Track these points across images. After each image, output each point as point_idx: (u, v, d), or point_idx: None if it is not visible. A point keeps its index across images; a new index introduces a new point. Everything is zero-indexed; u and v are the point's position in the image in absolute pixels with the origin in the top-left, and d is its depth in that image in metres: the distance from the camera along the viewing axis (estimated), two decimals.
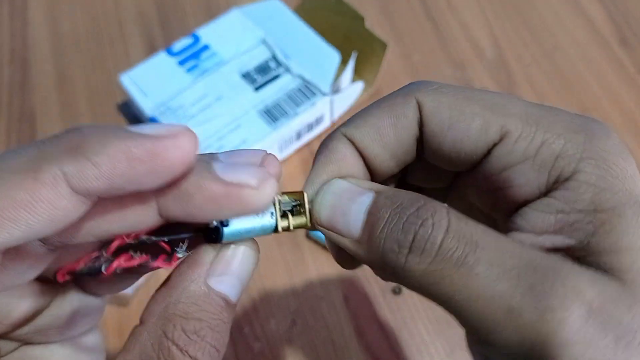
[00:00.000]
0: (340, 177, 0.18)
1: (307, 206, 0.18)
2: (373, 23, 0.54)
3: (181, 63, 0.46)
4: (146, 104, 0.44)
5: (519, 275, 0.15)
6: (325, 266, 0.41)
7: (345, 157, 0.19)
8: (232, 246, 0.16)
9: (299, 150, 0.47)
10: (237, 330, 0.39)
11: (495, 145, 0.17)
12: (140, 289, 0.40)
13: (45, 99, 0.50)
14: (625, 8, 0.54)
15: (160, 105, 0.44)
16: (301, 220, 0.18)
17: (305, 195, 0.18)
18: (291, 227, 0.18)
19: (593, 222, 0.15)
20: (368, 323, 0.39)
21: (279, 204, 0.18)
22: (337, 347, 0.39)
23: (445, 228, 0.15)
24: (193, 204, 0.15)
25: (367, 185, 0.18)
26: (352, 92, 0.47)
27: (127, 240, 0.16)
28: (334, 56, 0.46)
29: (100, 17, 0.55)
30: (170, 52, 0.46)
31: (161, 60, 0.46)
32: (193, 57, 0.46)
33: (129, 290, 0.37)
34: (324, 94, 0.44)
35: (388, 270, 0.16)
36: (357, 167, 0.19)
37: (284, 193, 0.18)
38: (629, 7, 0.54)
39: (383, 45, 0.46)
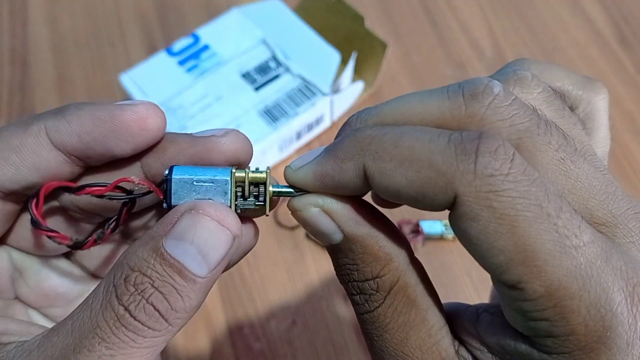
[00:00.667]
0: (316, 197, 0.18)
1: (268, 191, 0.19)
2: (373, 23, 0.54)
3: (181, 63, 0.46)
4: None
5: None
6: (325, 266, 0.41)
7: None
8: (192, 212, 0.16)
9: (299, 150, 0.47)
10: (237, 330, 0.39)
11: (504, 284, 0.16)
12: None
13: (45, 98, 0.50)
14: (625, 8, 0.54)
15: (160, 105, 0.44)
16: (254, 206, 0.19)
17: (268, 178, 0.19)
18: (239, 208, 0.18)
19: None
20: None
21: (233, 178, 0.18)
22: (336, 347, 0.39)
23: (373, 307, 0.18)
24: (168, 156, 0.18)
25: (340, 223, 0.18)
26: (352, 92, 0.47)
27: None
28: (334, 56, 0.46)
29: (100, 17, 0.55)
30: (170, 52, 0.46)
31: (161, 60, 0.46)
32: (193, 57, 0.46)
33: None
34: (324, 94, 0.44)
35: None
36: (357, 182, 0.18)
37: (250, 171, 0.19)
38: (628, 7, 0.54)
39: (383, 45, 0.46)
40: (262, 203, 0.19)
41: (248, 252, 0.20)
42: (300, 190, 0.19)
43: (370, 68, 0.48)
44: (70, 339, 0.15)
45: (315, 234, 0.18)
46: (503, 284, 0.15)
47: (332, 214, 0.18)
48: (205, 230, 0.16)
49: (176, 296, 0.16)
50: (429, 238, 0.42)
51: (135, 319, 0.15)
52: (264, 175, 0.19)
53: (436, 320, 0.18)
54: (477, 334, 0.17)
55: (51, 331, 0.16)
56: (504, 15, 0.54)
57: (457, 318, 0.18)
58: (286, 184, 0.19)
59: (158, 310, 0.15)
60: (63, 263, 0.21)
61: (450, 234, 0.42)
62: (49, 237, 0.17)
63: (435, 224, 0.42)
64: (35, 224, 0.17)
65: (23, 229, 0.19)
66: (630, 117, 0.48)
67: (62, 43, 0.54)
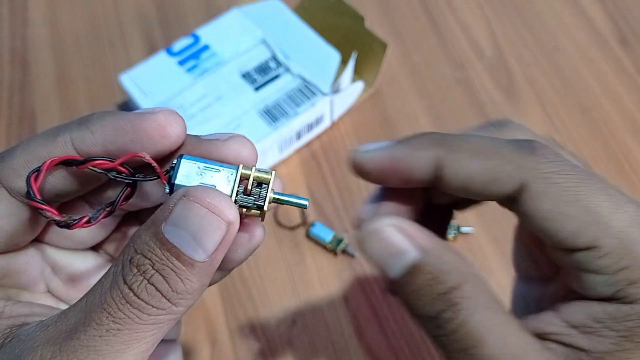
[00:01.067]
0: (390, 218, 0.19)
1: (268, 197, 0.19)
2: (373, 23, 0.54)
3: (181, 63, 0.46)
4: (146, 104, 0.44)
5: None
6: (325, 266, 0.41)
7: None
8: (184, 198, 0.17)
9: (299, 150, 0.47)
10: (238, 329, 0.39)
11: (579, 250, 0.18)
12: None
13: (45, 98, 0.50)
14: (625, 8, 0.54)
15: (160, 104, 0.44)
16: (253, 208, 0.19)
17: (272, 180, 0.19)
18: (238, 203, 0.18)
19: (619, 349, 0.17)
20: (368, 323, 0.39)
21: (238, 175, 0.19)
22: (337, 347, 0.39)
23: (462, 319, 0.17)
24: (174, 155, 0.19)
25: (416, 240, 0.18)
26: (352, 92, 0.47)
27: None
28: (334, 56, 0.46)
29: (100, 17, 0.55)
30: (170, 52, 0.46)
31: (161, 60, 0.46)
32: (193, 57, 0.46)
33: None
34: (324, 94, 0.44)
35: (412, 317, 0.19)
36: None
37: (256, 169, 0.19)
38: (629, 6, 0.54)
39: (383, 45, 0.46)
40: (261, 205, 0.19)
41: (255, 249, 0.20)
42: (302, 197, 0.19)
43: (371, 68, 0.48)
44: (82, 314, 0.17)
45: (389, 256, 0.18)
46: (578, 249, 0.17)
47: (407, 230, 0.18)
48: (196, 217, 0.16)
49: (176, 279, 0.16)
50: None
51: (138, 297, 0.16)
52: (268, 176, 0.19)
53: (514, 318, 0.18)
54: (560, 320, 0.18)
55: (68, 308, 0.17)
56: (504, 16, 0.54)
57: (523, 319, 0.19)
58: (288, 193, 0.19)
59: (160, 291, 0.16)
60: (92, 255, 0.22)
61: (451, 234, 0.42)
62: (40, 209, 0.17)
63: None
64: (28, 195, 0.17)
65: (56, 227, 0.20)
66: (630, 117, 0.48)
67: (62, 43, 0.54)
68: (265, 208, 0.19)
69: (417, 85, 0.50)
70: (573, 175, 0.18)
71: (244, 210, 0.18)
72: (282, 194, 0.19)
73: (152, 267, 0.16)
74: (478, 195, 0.19)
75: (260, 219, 0.19)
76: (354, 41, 0.48)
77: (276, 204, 0.19)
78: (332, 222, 0.43)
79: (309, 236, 0.42)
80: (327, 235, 0.41)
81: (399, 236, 0.18)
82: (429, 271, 0.18)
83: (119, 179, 0.18)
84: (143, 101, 0.44)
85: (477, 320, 0.17)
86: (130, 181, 0.19)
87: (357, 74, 0.49)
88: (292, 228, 0.43)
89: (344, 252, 0.42)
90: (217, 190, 0.17)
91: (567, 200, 0.17)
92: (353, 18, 0.47)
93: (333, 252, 0.42)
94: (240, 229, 0.18)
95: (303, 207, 0.19)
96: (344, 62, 0.46)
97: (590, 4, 0.55)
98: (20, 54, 0.53)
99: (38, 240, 0.21)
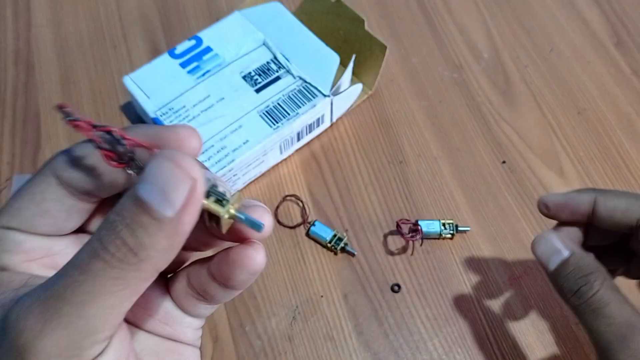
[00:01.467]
0: (556, 232, 0.31)
1: (228, 212, 0.19)
2: (372, 26, 0.54)
3: (183, 65, 0.46)
4: (149, 106, 0.45)
5: (622, 326, 0.27)
6: (325, 265, 0.42)
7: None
8: (157, 158, 0.17)
9: (299, 151, 0.47)
10: (239, 328, 0.40)
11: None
12: None
13: (49, 100, 0.51)
14: (621, 10, 0.55)
15: (162, 106, 0.45)
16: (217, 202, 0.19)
17: (235, 200, 0.20)
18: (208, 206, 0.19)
19: None
20: (367, 321, 0.40)
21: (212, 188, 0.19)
22: (337, 344, 0.39)
23: (595, 290, 0.28)
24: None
25: (568, 244, 0.30)
26: (351, 93, 0.47)
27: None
28: (334, 58, 0.46)
29: (103, 20, 0.56)
30: (172, 55, 0.47)
31: (164, 62, 0.47)
32: (195, 59, 0.47)
33: None
34: (324, 96, 0.45)
35: (560, 294, 0.29)
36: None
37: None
38: (625, 9, 0.55)
39: (382, 47, 0.46)
40: (226, 200, 0.19)
41: (257, 272, 0.21)
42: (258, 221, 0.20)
43: (370, 70, 0.48)
44: (61, 271, 0.18)
45: (551, 253, 0.30)
46: None
47: (563, 239, 0.30)
48: (165, 171, 0.17)
49: (143, 232, 0.17)
50: (427, 237, 0.43)
51: (106, 250, 0.17)
52: (220, 209, 0.19)
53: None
54: None
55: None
56: (501, 18, 0.55)
57: None
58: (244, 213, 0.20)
59: (127, 244, 0.17)
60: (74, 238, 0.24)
61: (447, 233, 0.42)
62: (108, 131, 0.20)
63: (433, 223, 0.42)
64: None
65: (97, 221, 0.23)
66: (627, 119, 0.48)
67: (65, 45, 0.54)
68: (226, 209, 0.19)
69: (415, 87, 0.51)
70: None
71: (209, 200, 0.19)
72: (242, 213, 0.20)
73: (123, 222, 0.17)
74: (618, 223, 0.29)
75: (225, 226, 0.20)
76: (353, 43, 0.48)
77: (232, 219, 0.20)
78: (332, 221, 0.44)
79: (309, 235, 0.43)
80: (327, 235, 0.42)
81: (558, 241, 0.30)
82: (574, 263, 0.28)
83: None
84: (146, 103, 0.45)
85: (604, 292, 0.27)
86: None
87: (357, 75, 0.49)
88: (293, 227, 0.44)
89: (343, 250, 0.42)
90: (185, 154, 0.18)
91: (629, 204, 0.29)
92: (353, 20, 0.48)
93: (333, 250, 0.42)
94: (240, 250, 0.21)
95: (257, 229, 0.20)
96: (343, 64, 0.47)
97: (587, 6, 0.55)
98: (24, 55, 0.54)
99: (82, 230, 0.23)
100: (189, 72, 0.46)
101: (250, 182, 0.46)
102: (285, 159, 0.47)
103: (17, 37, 0.55)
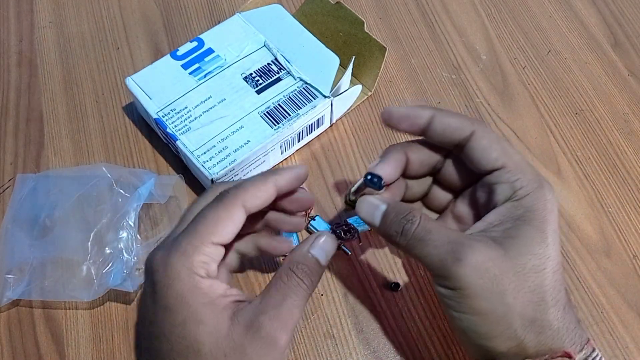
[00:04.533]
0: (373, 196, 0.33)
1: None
2: (371, 28, 0.55)
3: (185, 66, 0.47)
4: (151, 106, 0.45)
5: (448, 244, 0.29)
6: None
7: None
8: (317, 234, 0.31)
9: (299, 151, 0.48)
10: None
11: (496, 169, 0.31)
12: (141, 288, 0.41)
13: (52, 100, 0.51)
14: (618, 11, 0.55)
15: (164, 107, 0.45)
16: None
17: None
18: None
19: (514, 227, 0.30)
20: (367, 318, 0.40)
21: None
22: (337, 342, 0.40)
23: (417, 223, 0.30)
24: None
25: (384, 199, 0.32)
26: (351, 94, 0.48)
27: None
28: (334, 60, 0.47)
29: (105, 22, 0.56)
30: (174, 56, 0.47)
31: (165, 64, 0.47)
32: (197, 60, 0.47)
33: (129, 288, 0.39)
34: (324, 97, 0.45)
35: (392, 242, 0.31)
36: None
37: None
38: (622, 10, 0.55)
39: (382, 49, 0.47)
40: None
41: (303, 181, 0.33)
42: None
43: (369, 71, 0.49)
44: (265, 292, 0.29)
45: (372, 210, 0.32)
46: (496, 169, 0.31)
47: (380, 197, 0.33)
48: (324, 242, 0.31)
49: (313, 273, 0.30)
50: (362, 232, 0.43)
51: (296, 276, 0.29)
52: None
53: None
54: (483, 224, 0.31)
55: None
56: (499, 20, 0.55)
57: None
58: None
59: (303, 281, 0.29)
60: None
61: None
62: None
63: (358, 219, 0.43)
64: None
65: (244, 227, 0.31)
66: (624, 119, 0.49)
67: (68, 46, 0.55)
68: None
69: (414, 88, 0.51)
70: (495, 134, 0.32)
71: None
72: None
73: (303, 269, 0.30)
74: (449, 138, 0.32)
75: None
76: (353, 45, 0.49)
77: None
78: (333, 221, 0.44)
79: (308, 230, 0.43)
80: (324, 229, 0.42)
81: (374, 199, 0.32)
82: (393, 210, 0.31)
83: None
84: (148, 103, 0.45)
85: (424, 223, 0.30)
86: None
87: (357, 76, 0.50)
88: None
89: (339, 248, 0.43)
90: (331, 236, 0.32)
91: (493, 141, 0.31)
92: (352, 22, 0.48)
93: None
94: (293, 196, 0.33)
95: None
96: (343, 65, 0.47)
97: (584, 8, 0.56)
98: (28, 56, 0.54)
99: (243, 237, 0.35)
100: (190, 73, 0.47)
101: None
102: (285, 159, 0.47)
103: (21, 38, 0.55)
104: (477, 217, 0.32)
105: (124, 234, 0.41)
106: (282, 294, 0.28)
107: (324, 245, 0.31)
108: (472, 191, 0.34)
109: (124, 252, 0.40)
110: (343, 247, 0.43)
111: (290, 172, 0.32)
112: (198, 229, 0.29)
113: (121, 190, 0.42)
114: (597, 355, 0.29)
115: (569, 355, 0.28)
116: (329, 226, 0.44)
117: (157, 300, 0.28)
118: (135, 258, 0.40)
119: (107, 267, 0.40)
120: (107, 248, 0.40)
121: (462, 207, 0.34)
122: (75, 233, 0.41)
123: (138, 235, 0.41)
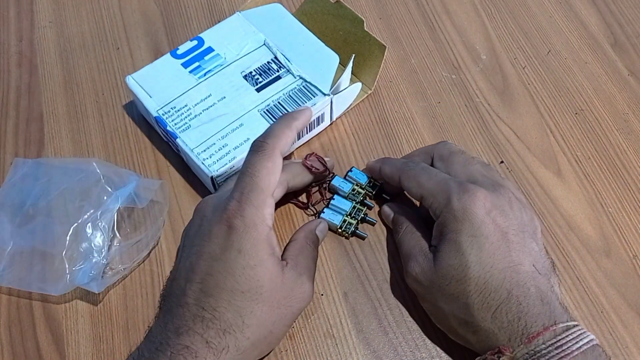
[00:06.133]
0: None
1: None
2: (371, 27, 0.55)
3: (185, 65, 0.47)
4: (151, 105, 0.45)
5: (405, 256, 0.39)
6: (325, 263, 0.42)
7: None
8: (320, 220, 0.42)
9: (299, 149, 0.48)
10: None
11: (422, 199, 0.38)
12: (109, 289, 0.41)
13: (52, 100, 0.51)
14: (618, 11, 0.55)
15: (164, 105, 0.45)
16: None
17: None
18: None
19: (441, 237, 0.36)
20: (367, 318, 0.40)
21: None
22: (337, 342, 0.39)
23: (401, 233, 0.40)
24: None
25: (393, 207, 0.43)
26: (351, 92, 0.48)
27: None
28: (334, 58, 0.47)
29: (105, 21, 0.56)
30: (174, 55, 0.48)
31: (165, 62, 0.47)
32: (197, 59, 0.47)
33: (94, 289, 0.39)
34: (324, 95, 0.45)
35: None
36: None
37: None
38: (622, 10, 0.55)
39: (382, 47, 0.47)
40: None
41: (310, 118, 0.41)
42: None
43: (369, 69, 0.49)
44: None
45: (388, 216, 0.43)
46: (435, 207, 0.37)
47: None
48: (323, 225, 0.43)
49: (314, 247, 0.40)
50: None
51: (309, 245, 0.40)
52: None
53: None
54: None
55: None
56: (499, 20, 0.55)
57: None
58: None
59: (314, 247, 0.40)
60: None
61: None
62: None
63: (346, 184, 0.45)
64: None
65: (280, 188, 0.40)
66: (624, 119, 0.49)
67: (68, 46, 0.55)
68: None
69: (414, 87, 0.51)
70: (420, 167, 0.40)
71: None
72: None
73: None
74: (392, 181, 0.41)
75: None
76: (353, 43, 0.49)
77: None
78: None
79: (346, 178, 0.45)
80: (347, 189, 0.44)
81: (388, 208, 0.43)
82: (396, 218, 0.42)
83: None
84: (148, 102, 0.45)
85: (403, 233, 0.41)
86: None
87: (357, 75, 0.50)
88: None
89: (354, 234, 0.43)
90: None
91: (412, 179, 0.39)
92: (352, 21, 0.48)
93: (344, 235, 0.43)
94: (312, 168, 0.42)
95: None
96: (343, 64, 0.47)
97: (584, 8, 0.56)
98: (28, 56, 0.54)
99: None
100: (190, 71, 0.47)
101: None
102: (285, 157, 0.47)
103: (21, 38, 0.56)
104: None
105: (97, 235, 0.41)
106: (309, 257, 0.38)
107: (322, 228, 0.41)
108: None
109: (94, 253, 0.40)
110: (368, 217, 0.43)
111: (301, 114, 0.39)
112: (259, 184, 0.34)
113: (108, 188, 0.42)
114: (549, 345, 0.30)
115: (501, 352, 0.31)
116: (367, 177, 0.45)
117: (232, 242, 0.33)
118: (105, 260, 0.40)
119: (79, 265, 0.40)
120: (83, 244, 0.40)
121: None
122: (55, 226, 0.41)
123: (118, 234, 0.41)
